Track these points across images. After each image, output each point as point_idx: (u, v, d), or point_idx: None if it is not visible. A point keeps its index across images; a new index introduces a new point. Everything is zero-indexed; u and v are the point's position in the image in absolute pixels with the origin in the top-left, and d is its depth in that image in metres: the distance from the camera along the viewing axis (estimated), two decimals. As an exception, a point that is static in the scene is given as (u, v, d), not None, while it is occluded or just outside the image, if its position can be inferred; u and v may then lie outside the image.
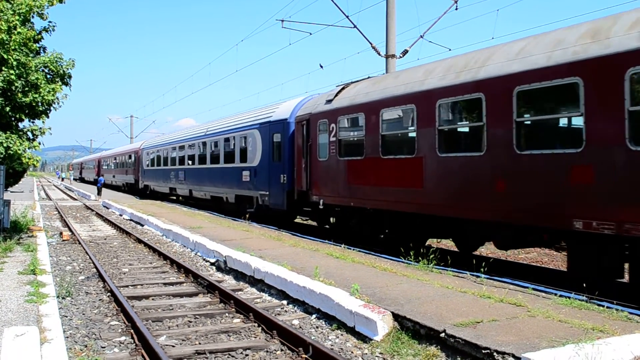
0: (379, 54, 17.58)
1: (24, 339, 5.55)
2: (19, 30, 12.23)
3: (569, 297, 6.96)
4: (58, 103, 13.93)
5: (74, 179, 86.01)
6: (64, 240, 15.73)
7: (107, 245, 15.28)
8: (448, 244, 14.38)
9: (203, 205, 26.96)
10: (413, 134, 11.02)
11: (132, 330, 6.79)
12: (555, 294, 7.26)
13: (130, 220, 22.55)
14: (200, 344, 6.45)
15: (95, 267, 11.20)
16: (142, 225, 20.12)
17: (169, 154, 31.33)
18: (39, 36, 13.98)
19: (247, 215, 18.46)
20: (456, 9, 17.88)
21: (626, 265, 7.90)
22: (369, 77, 13.96)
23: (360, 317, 6.53)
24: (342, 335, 6.68)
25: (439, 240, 14.80)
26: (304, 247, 11.99)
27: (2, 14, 11.93)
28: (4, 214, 14.87)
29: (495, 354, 5.05)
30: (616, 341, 5.10)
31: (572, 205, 7.70)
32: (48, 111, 13.96)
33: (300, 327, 7.06)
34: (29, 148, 13.64)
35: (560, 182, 7.88)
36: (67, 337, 6.48)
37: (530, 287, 7.67)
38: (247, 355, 6.06)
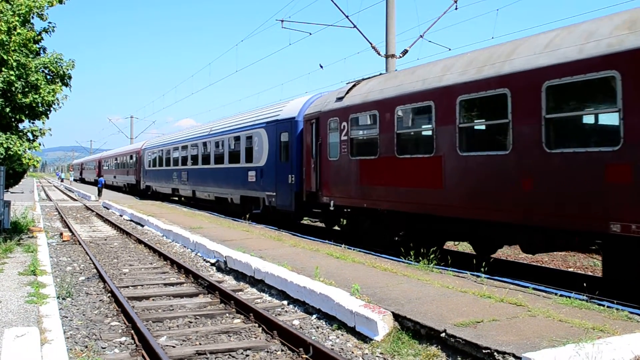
0: (378, 53, 17.58)
1: (25, 340, 5.54)
2: (18, 31, 12.24)
3: (570, 297, 6.97)
4: (58, 104, 13.94)
5: (74, 179, 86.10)
6: (64, 241, 15.72)
7: (107, 245, 15.28)
8: (448, 244, 14.36)
9: (203, 205, 26.94)
10: (431, 132, 10.55)
11: (132, 331, 6.80)
12: (556, 294, 7.26)
13: (131, 220, 22.57)
14: (200, 344, 6.46)
15: (96, 268, 11.20)
16: (142, 226, 20.14)
17: (172, 154, 30.77)
18: (39, 37, 13.97)
19: (248, 216, 18.42)
20: (456, 8, 17.88)
21: None
22: (381, 74, 13.39)
23: (360, 317, 6.53)
24: (342, 335, 6.68)
25: (456, 243, 14.36)
26: (304, 247, 11.98)
27: (2, 15, 11.93)
28: (4, 215, 14.89)
29: (495, 353, 5.05)
30: (616, 341, 5.10)
31: (608, 207, 7.27)
32: (48, 112, 13.98)
33: (301, 328, 7.06)
34: (29, 149, 13.66)
35: (595, 183, 7.45)
36: (68, 338, 6.48)
37: (531, 287, 7.66)
38: (247, 355, 6.06)
